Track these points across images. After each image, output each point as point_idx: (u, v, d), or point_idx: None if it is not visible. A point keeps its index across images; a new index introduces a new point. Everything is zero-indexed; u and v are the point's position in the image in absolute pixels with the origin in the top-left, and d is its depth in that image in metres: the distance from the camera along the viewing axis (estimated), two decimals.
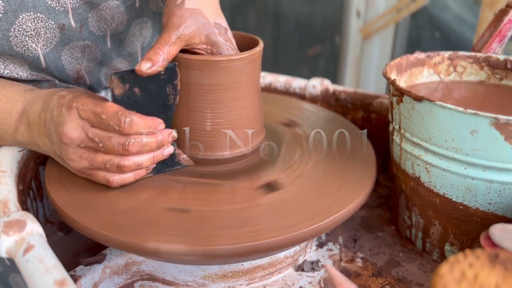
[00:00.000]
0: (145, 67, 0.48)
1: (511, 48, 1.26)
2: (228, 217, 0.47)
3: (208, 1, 0.54)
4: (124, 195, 0.50)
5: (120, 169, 0.49)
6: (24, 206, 0.56)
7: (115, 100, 0.50)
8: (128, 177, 0.50)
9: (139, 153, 0.49)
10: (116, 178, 0.50)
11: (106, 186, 0.50)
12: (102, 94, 0.71)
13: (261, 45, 0.55)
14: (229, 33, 0.54)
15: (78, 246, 0.59)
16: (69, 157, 0.49)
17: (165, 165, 0.54)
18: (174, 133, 0.52)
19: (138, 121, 0.48)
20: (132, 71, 0.49)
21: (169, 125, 0.53)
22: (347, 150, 0.60)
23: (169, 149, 0.52)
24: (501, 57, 0.64)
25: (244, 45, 0.56)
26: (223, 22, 0.54)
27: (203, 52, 0.53)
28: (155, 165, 0.52)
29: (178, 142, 0.54)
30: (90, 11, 0.61)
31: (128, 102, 0.50)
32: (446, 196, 0.53)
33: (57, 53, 0.61)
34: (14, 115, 0.52)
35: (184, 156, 0.55)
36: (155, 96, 0.51)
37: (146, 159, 0.50)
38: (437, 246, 0.57)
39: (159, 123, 0.50)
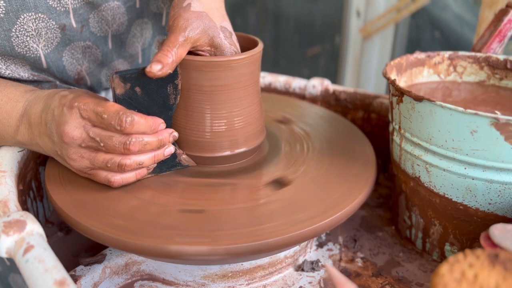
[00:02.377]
0: (156, 69, 0.48)
1: (511, 48, 1.26)
2: (228, 216, 0.47)
3: (214, 4, 0.54)
4: (125, 195, 0.50)
5: (121, 168, 0.49)
6: (24, 206, 0.56)
7: (116, 99, 0.50)
8: (129, 177, 0.50)
9: (140, 153, 0.49)
10: (117, 178, 0.50)
11: (106, 186, 0.51)
12: (102, 94, 0.71)
13: (260, 46, 0.55)
14: (234, 37, 0.54)
15: (78, 246, 0.59)
16: (70, 156, 0.49)
17: (166, 165, 0.54)
18: (175, 133, 0.52)
19: (139, 120, 0.48)
20: (133, 71, 0.50)
21: (169, 124, 0.53)
22: (347, 150, 0.60)
23: (170, 149, 0.52)
24: (501, 57, 0.64)
25: (243, 46, 0.56)
26: (229, 26, 0.54)
27: (207, 54, 0.53)
28: (156, 165, 0.52)
29: (178, 143, 0.54)
30: (91, 12, 0.61)
31: (129, 102, 0.50)
32: (446, 196, 0.53)
33: (58, 53, 0.61)
34: (15, 116, 0.52)
35: (185, 156, 0.55)
36: (156, 95, 0.52)
37: (147, 158, 0.50)
38: (437, 246, 0.57)
39: (159, 122, 0.50)
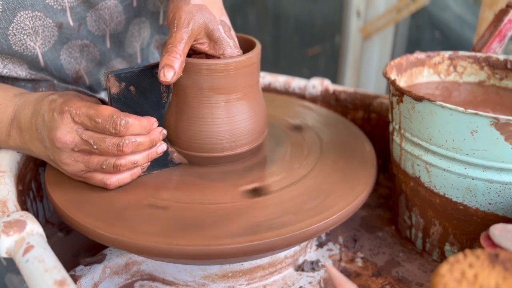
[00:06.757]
0: (169, 76, 0.47)
1: (511, 48, 1.26)
2: (227, 216, 0.47)
3: None
4: (123, 195, 0.50)
5: (117, 169, 0.49)
6: (24, 206, 0.56)
7: (112, 99, 0.50)
8: (125, 177, 0.50)
9: (134, 153, 0.49)
10: (113, 180, 0.50)
11: None
12: (102, 95, 0.71)
13: (258, 47, 0.55)
14: (233, 32, 0.54)
15: (78, 246, 0.59)
16: (63, 161, 0.49)
17: (159, 164, 0.54)
18: (164, 131, 0.53)
19: (133, 122, 0.48)
20: (128, 70, 0.50)
21: (161, 123, 0.54)
22: (347, 150, 0.60)
23: (162, 147, 0.52)
24: (501, 57, 0.64)
25: (242, 47, 0.56)
26: (227, 20, 0.54)
27: (206, 48, 0.52)
28: (149, 163, 0.53)
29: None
30: (89, 11, 0.61)
31: (124, 101, 0.51)
32: (446, 196, 0.53)
33: (55, 52, 0.61)
34: (6, 121, 0.52)
35: (176, 154, 0.55)
36: (149, 93, 0.52)
37: (141, 157, 0.50)
38: (437, 246, 0.57)
39: (153, 122, 0.50)
